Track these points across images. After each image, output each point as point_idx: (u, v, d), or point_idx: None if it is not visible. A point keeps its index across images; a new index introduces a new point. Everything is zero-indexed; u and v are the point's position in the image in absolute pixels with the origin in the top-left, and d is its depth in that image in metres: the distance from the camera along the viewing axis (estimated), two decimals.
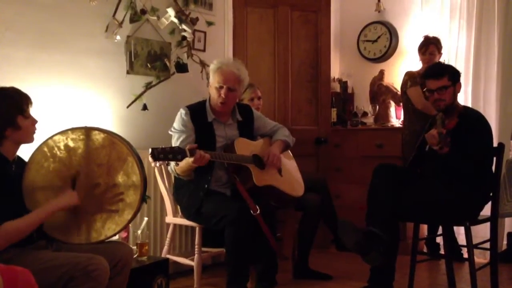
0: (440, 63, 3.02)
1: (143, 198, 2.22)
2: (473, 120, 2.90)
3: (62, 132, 2.19)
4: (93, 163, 2.18)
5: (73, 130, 2.20)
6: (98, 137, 2.20)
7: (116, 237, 2.81)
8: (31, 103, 2.14)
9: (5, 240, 1.92)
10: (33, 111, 2.71)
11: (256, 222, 2.84)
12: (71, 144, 2.18)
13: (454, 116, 2.91)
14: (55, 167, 2.15)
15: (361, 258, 2.80)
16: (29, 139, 2.14)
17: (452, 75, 2.91)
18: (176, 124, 3.00)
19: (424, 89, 3.00)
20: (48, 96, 2.94)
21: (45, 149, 2.16)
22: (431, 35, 3.99)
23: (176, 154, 2.55)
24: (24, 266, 1.72)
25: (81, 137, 2.18)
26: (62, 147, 2.17)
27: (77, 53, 3.09)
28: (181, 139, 2.93)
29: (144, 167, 2.25)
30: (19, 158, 2.19)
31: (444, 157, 2.77)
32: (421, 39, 3.97)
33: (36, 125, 2.16)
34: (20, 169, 2.13)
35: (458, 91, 2.99)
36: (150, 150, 2.49)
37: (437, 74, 2.90)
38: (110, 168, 2.18)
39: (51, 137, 2.19)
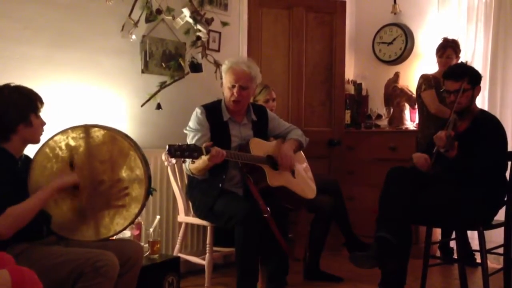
0: (462, 64, 2.96)
1: (149, 191, 2.22)
2: (487, 124, 2.86)
3: (62, 132, 2.20)
4: (96, 160, 2.18)
5: (73, 129, 2.20)
6: (98, 134, 2.20)
7: (128, 235, 2.84)
8: (43, 104, 2.16)
9: (10, 224, 1.92)
10: (50, 108, 2.76)
11: (267, 223, 2.84)
12: (72, 143, 2.18)
13: (467, 120, 2.87)
14: (59, 167, 2.16)
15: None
16: (36, 139, 2.16)
17: (472, 78, 2.86)
18: (192, 123, 3.02)
19: (442, 89, 2.97)
20: (64, 94, 2.97)
21: (47, 150, 2.17)
22: (450, 37, 3.96)
23: (192, 151, 2.56)
24: (34, 262, 1.74)
25: (81, 135, 2.18)
26: (63, 147, 2.17)
27: (93, 52, 3.13)
28: (196, 137, 2.94)
29: (147, 160, 2.25)
30: (26, 157, 2.21)
31: (453, 160, 2.74)
32: (440, 41, 3.94)
33: (44, 127, 2.18)
34: (26, 167, 2.15)
35: (477, 95, 2.95)
36: (167, 147, 2.50)
37: (456, 76, 2.86)
38: (113, 164, 2.18)
39: (51, 138, 2.19)
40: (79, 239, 2.18)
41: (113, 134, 2.21)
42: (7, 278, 1.60)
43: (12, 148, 2.09)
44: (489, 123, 2.87)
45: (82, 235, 2.18)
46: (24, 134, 2.10)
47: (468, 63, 3.01)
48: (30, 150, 2.23)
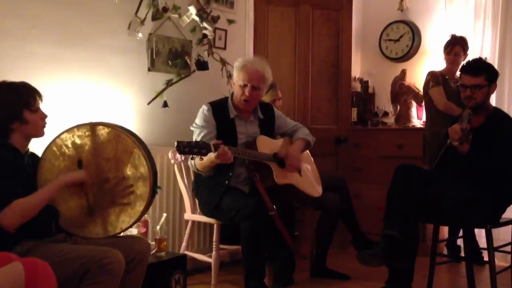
0: (481, 60, 2.94)
1: (154, 189, 2.22)
2: (501, 121, 2.85)
3: (68, 130, 2.21)
4: (101, 158, 2.19)
5: (78, 127, 2.21)
6: (103, 132, 2.20)
7: (135, 233, 2.85)
8: (40, 97, 2.14)
9: (14, 217, 1.93)
10: (56, 106, 2.77)
11: (273, 221, 2.85)
12: (78, 141, 2.19)
13: (482, 116, 2.86)
14: (66, 165, 2.17)
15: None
16: (38, 134, 2.15)
17: (490, 75, 2.85)
18: (198, 120, 3.03)
19: (458, 83, 2.95)
20: (71, 92, 2.99)
21: (54, 148, 2.18)
22: (458, 34, 3.93)
23: (201, 148, 2.56)
24: (42, 259, 1.75)
25: (87, 133, 2.19)
26: (70, 145, 2.18)
27: (100, 50, 3.13)
28: (202, 134, 2.95)
29: (153, 158, 2.25)
30: (32, 153, 2.21)
31: (466, 157, 2.73)
32: (448, 38, 3.91)
33: (47, 120, 2.17)
34: (33, 163, 2.16)
35: (492, 92, 2.95)
36: (175, 143, 2.49)
37: (474, 71, 2.84)
38: (118, 161, 2.19)
39: (58, 136, 2.20)
40: (88, 236, 2.19)
41: (117, 132, 2.21)
42: (20, 270, 1.61)
43: (16, 143, 2.09)
44: (503, 121, 2.85)
45: (90, 232, 2.20)
46: (22, 131, 2.09)
47: (487, 60, 2.98)
48: (38, 146, 2.24)
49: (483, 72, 2.83)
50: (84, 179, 2.13)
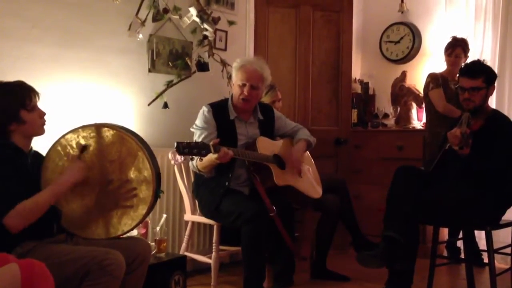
0: (479, 62, 2.94)
1: (157, 193, 2.22)
2: (500, 123, 2.85)
3: (73, 131, 2.20)
4: (105, 160, 2.19)
5: (83, 128, 2.20)
6: (108, 133, 2.20)
7: (135, 233, 2.85)
8: (37, 95, 2.12)
9: (20, 219, 1.93)
10: (57, 107, 2.77)
11: (273, 222, 2.85)
12: (82, 142, 2.19)
13: (481, 118, 2.86)
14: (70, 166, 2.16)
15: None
16: (38, 132, 2.14)
17: (488, 77, 2.85)
18: (198, 121, 3.03)
19: (457, 85, 2.95)
20: (71, 93, 2.99)
21: (59, 148, 2.18)
22: (458, 36, 3.93)
23: (200, 149, 2.57)
24: (42, 259, 1.74)
25: (92, 134, 2.19)
26: (74, 146, 2.18)
27: (100, 51, 3.14)
28: (203, 136, 2.95)
29: (157, 162, 2.25)
30: (36, 152, 2.21)
31: (466, 160, 2.73)
32: (449, 40, 3.92)
33: (47, 118, 2.16)
34: (37, 163, 2.16)
35: (491, 94, 2.95)
36: (175, 144, 2.50)
37: (472, 74, 2.84)
38: (122, 164, 2.19)
39: (63, 136, 2.20)
40: (89, 237, 2.19)
41: (121, 135, 2.21)
42: (16, 271, 1.61)
43: (17, 142, 2.09)
44: (502, 123, 2.85)
45: (92, 233, 2.20)
46: (22, 131, 2.08)
47: (485, 62, 2.99)
48: (42, 146, 2.24)
49: (481, 74, 2.83)
50: (85, 176, 2.11)
